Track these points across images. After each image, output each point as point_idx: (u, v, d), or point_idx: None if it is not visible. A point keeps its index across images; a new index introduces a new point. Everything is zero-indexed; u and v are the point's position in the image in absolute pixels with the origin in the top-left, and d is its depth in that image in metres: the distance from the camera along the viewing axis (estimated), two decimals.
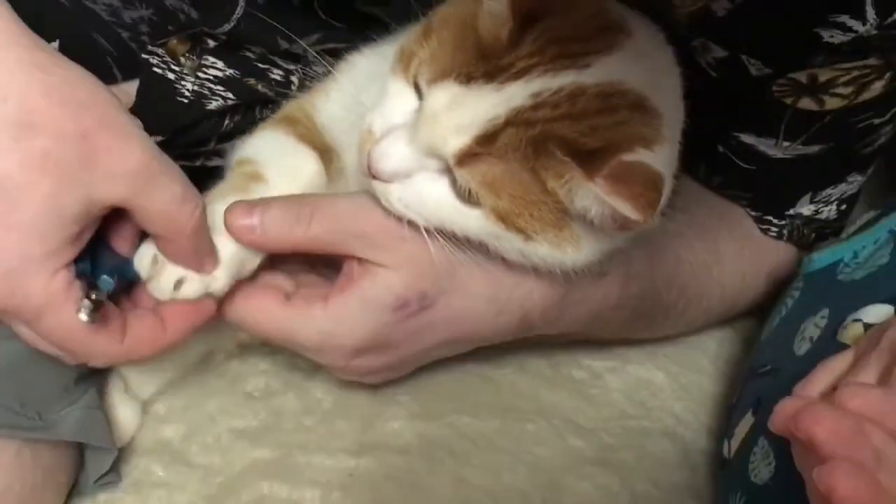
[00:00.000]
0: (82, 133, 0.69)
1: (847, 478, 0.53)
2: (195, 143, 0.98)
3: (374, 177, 0.77)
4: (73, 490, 0.94)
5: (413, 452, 0.98)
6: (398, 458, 0.98)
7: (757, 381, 0.93)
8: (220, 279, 0.79)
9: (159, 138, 0.89)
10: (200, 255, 0.78)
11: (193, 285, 0.78)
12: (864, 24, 0.81)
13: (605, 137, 0.71)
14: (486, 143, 0.72)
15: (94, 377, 0.95)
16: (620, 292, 0.93)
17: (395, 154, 0.75)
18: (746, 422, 0.88)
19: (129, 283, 0.82)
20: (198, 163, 1.00)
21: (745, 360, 1.07)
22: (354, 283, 0.81)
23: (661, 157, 0.73)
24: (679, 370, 1.10)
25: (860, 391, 0.60)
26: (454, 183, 0.75)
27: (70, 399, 0.90)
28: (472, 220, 0.75)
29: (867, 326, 0.81)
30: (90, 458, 0.93)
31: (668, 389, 1.08)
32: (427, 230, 0.78)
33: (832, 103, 0.89)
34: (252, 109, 0.99)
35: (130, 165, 0.71)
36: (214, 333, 1.01)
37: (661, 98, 0.76)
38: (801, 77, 0.88)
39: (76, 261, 0.73)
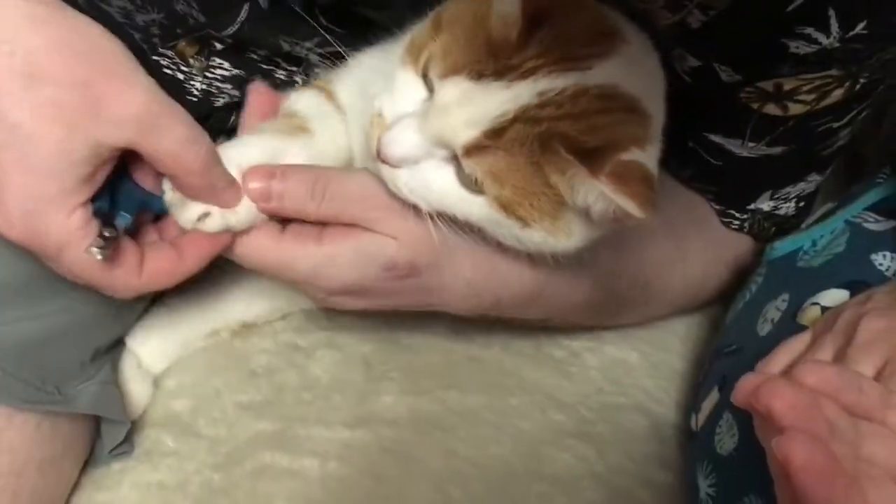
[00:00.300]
0: (85, 81, 0.71)
1: (803, 448, 0.53)
2: None
3: (382, 161, 0.77)
4: (90, 459, 0.96)
5: (404, 425, 1.00)
6: (391, 430, 0.99)
7: (722, 360, 0.94)
8: (240, 214, 0.79)
9: None
10: (216, 190, 0.78)
11: (215, 219, 0.78)
12: (828, 37, 0.82)
13: (603, 137, 0.73)
14: (494, 136, 0.73)
15: (109, 353, 0.97)
16: (588, 289, 0.95)
17: (404, 141, 0.76)
18: (712, 398, 0.89)
19: (156, 216, 0.83)
20: None
21: (711, 340, 1.08)
22: (354, 233, 0.81)
23: (651, 157, 0.76)
24: (651, 350, 1.11)
25: (816, 368, 0.61)
26: (459, 171, 0.76)
27: (87, 374, 0.93)
28: (475, 207, 0.77)
29: (824, 309, 0.83)
30: (105, 430, 0.95)
31: (641, 368, 1.09)
32: (429, 214, 0.79)
33: (795, 109, 0.90)
34: None
35: (133, 109, 0.72)
36: (221, 315, 1.05)
37: (651, 101, 0.78)
38: (768, 86, 0.89)
39: (94, 199, 0.74)
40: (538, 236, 0.77)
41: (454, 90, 0.74)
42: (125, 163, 0.77)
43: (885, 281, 0.84)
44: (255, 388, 1.03)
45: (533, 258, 0.84)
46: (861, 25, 0.81)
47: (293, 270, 0.82)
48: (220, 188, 0.78)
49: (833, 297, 0.85)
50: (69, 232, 0.73)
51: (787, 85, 0.88)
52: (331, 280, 0.82)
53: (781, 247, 0.97)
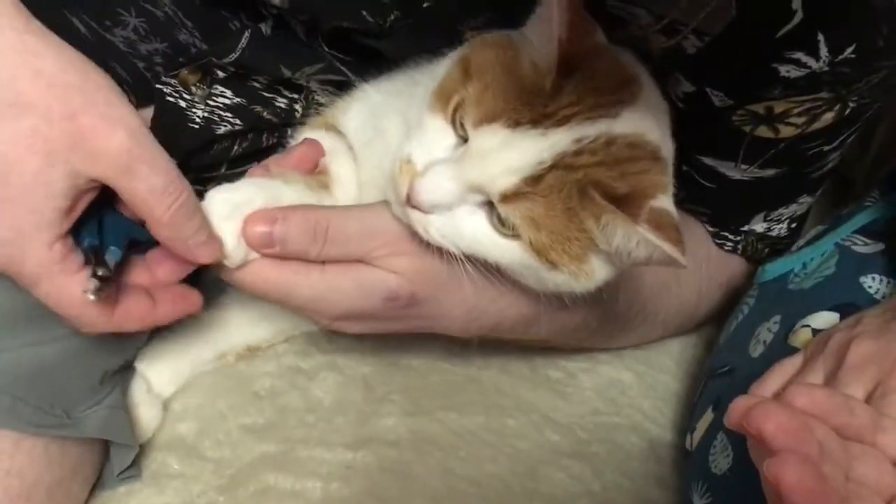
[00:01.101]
0: (70, 114, 0.69)
1: (794, 469, 0.53)
2: (207, 168, 0.98)
3: (413, 207, 0.76)
4: (97, 482, 0.95)
5: (405, 446, 0.99)
6: (391, 451, 0.98)
7: (716, 381, 0.94)
8: (233, 257, 0.77)
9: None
10: (186, 246, 0.74)
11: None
12: (817, 61, 0.81)
13: (633, 183, 0.73)
14: (532, 183, 0.72)
15: (118, 377, 0.95)
16: (584, 316, 0.94)
17: (438, 188, 0.75)
18: (707, 418, 0.88)
19: (142, 246, 0.79)
20: (209, 186, 1.00)
21: (705, 361, 1.07)
22: (356, 267, 0.80)
23: (671, 201, 0.76)
24: (646, 370, 1.10)
25: (806, 391, 0.60)
26: (491, 216, 0.75)
27: (95, 399, 0.91)
28: (507, 251, 0.76)
29: (815, 332, 0.82)
30: (114, 453, 0.93)
31: (637, 388, 1.09)
32: (455, 256, 0.78)
33: (786, 132, 0.90)
34: (259, 135, 0.99)
35: (114, 147, 0.69)
36: (227, 339, 1.04)
37: (666, 145, 0.78)
38: (759, 109, 0.88)
39: (83, 236, 0.73)
40: (562, 278, 0.77)
41: (492, 138, 0.73)
42: (110, 194, 0.74)
43: (875, 303, 0.83)
44: (258, 410, 1.01)
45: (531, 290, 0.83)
46: (849, 49, 0.80)
47: (296, 298, 0.80)
48: (192, 244, 0.75)
49: (824, 319, 0.84)
50: (45, 265, 0.71)
51: (778, 108, 0.88)
52: (332, 307, 0.81)
53: (773, 269, 0.96)
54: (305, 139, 0.89)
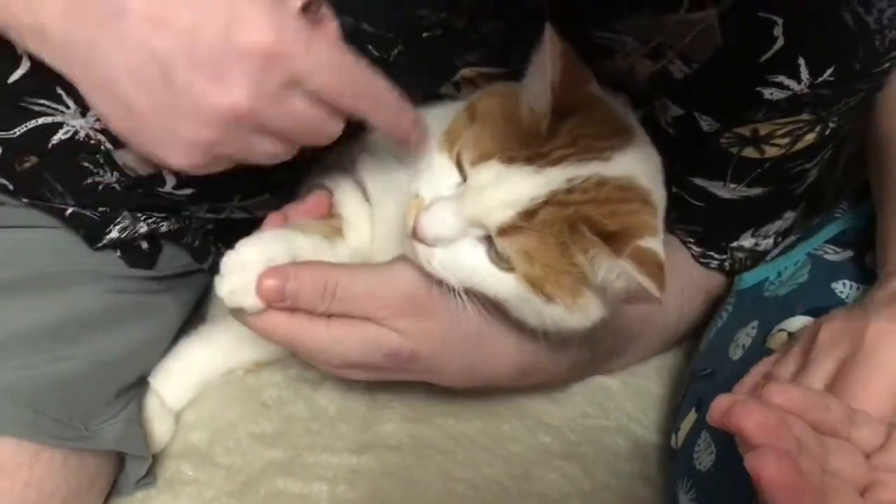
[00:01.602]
0: None
1: (772, 463, 0.53)
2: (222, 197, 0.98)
3: (418, 240, 0.78)
4: (114, 489, 0.96)
5: (406, 450, 1.00)
6: (393, 455, 0.99)
7: (698, 383, 0.94)
8: (250, 301, 0.78)
9: (189, 191, 0.90)
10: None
11: (234, 297, 0.78)
12: (798, 83, 0.82)
13: (622, 222, 0.75)
14: (527, 218, 0.74)
15: (133, 392, 0.97)
16: (576, 354, 0.96)
17: (441, 222, 0.77)
18: (690, 418, 0.89)
19: None
20: (223, 215, 1.00)
21: (686, 367, 1.09)
22: (361, 324, 0.82)
23: (660, 244, 0.77)
24: (630, 378, 1.11)
25: (783, 389, 0.61)
26: (490, 250, 0.77)
27: (111, 412, 0.92)
28: (504, 283, 0.77)
29: (790, 335, 0.84)
30: (129, 463, 0.94)
31: (622, 393, 1.09)
32: (456, 290, 0.80)
33: (771, 152, 0.90)
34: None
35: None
36: (237, 356, 1.06)
37: (657, 192, 0.80)
38: (745, 131, 0.89)
39: None
40: (558, 312, 0.78)
41: (487, 173, 0.75)
42: None
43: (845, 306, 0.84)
44: (266, 419, 1.03)
45: (525, 338, 0.85)
46: (829, 72, 0.81)
47: (302, 346, 0.82)
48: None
49: (798, 323, 0.85)
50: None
51: (763, 130, 0.88)
52: (336, 357, 0.83)
53: (749, 278, 0.97)
54: (315, 193, 0.91)
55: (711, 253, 1.05)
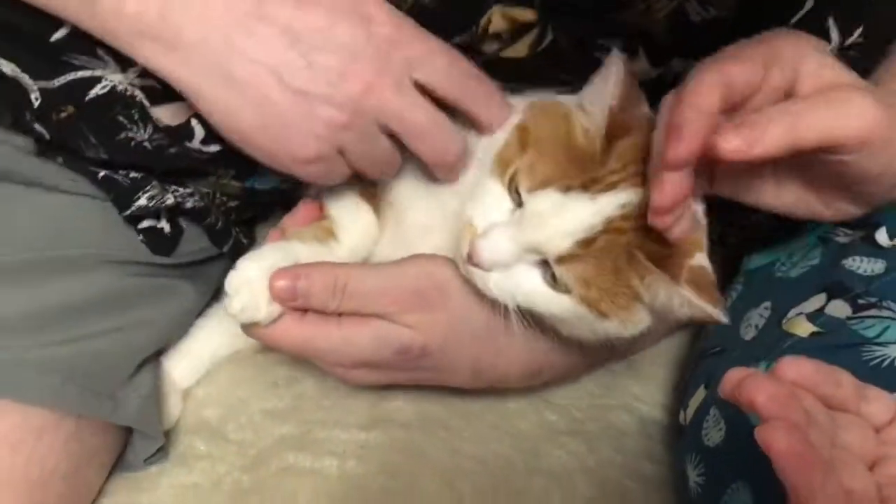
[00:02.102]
0: None
1: (783, 436, 0.53)
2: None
3: (474, 265, 0.78)
4: (125, 464, 0.96)
5: (414, 427, 0.99)
6: (401, 431, 0.99)
7: (707, 360, 0.94)
8: (262, 312, 0.80)
9: (216, 147, 0.88)
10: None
11: (246, 314, 0.80)
12: (828, 44, 0.79)
13: (673, 244, 0.74)
14: (585, 246, 0.74)
15: (150, 367, 0.96)
16: (589, 360, 0.96)
17: (498, 249, 0.77)
18: (699, 394, 0.88)
19: None
20: (247, 183, 0.99)
21: (691, 346, 1.08)
22: (372, 322, 0.82)
23: (706, 258, 0.77)
24: (635, 357, 1.10)
25: (795, 363, 0.60)
26: (545, 273, 0.77)
27: (133, 386, 0.92)
28: (559, 304, 0.77)
29: (809, 317, 0.83)
30: (139, 440, 0.94)
31: (626, 373, 1.08)
32: (508, 308, 0.80)
33: None
34: None
35: None
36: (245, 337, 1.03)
37: (699, 207, 0.79)
38: None
39: None
40: (612, 326, 0.78)
41: (546, 202, 0.75)
42: None
43: (862, 280, 0.84)
44: (277, 396, 1.02)
45: (538, 337, 0.85)
46: (858, 32, 0.79)
47: (314, 349, 0.83)
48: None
49: (815, 302, 0.84)
50: None
51: None
52: (347, 357, 0.84)
53: (758, 258, 0.96)
54: (303, 200, 0.92)
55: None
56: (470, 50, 0.83)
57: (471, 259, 0.78)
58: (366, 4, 0.74)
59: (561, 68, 0.86)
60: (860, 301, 0.81)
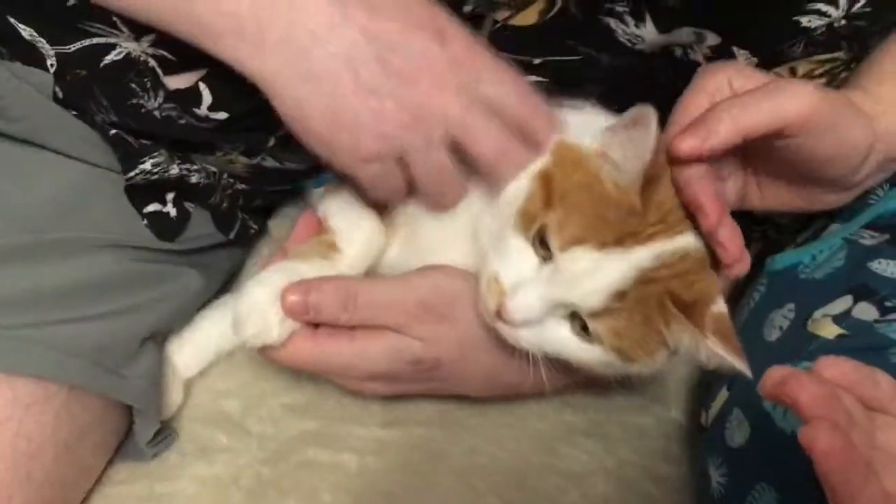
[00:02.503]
0: None
1: (825, 436, 0.52)
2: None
3: (504, 321, 0.77)
4: (126, 453, 0.95)
5: (433, 424, 0.99)
6: (420, 429, 0.98)
7: None
8: (274, 335, 0.79)
9: (223, 115, 0.87)
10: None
11: (258, 339, 0.79)
12: (836, 9, 0.78)
13: (697, 291, 0.74)
14: (618, 299, 0.73)
15: (151, 347, 0.94)
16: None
17: (529, 308, 0.75)
18: (722, 395, 0.87)
19: None
20: (256, 160, 0.97)
21: None
22: (384, 334, 0.81)
23: (723, 302, 0.77)
24: None
25: (835, 363, 0.59)
26: (574, 324, 0.76)
27: (134, 366, 0.90)
28: (590, 354, 0.77)
29: (835, 318, 0.82)
30: (139, 422, 0.92)
31: (644, 375, 1.06)
32: (536, 356, 0.79)
33: None
34: None
35: None
36: None
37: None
38: (783, 71, 0.85)
39: None
40: (636, 368, 0.78)
41: (580, 261, 0.73)
42: None
43: (887, 282, 0.83)
44: (298, 390, 1.01)
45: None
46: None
47: (327, 364, 0.82)
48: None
49: (841, 305, 0.83)
50: None
51: (801, 69, 0.85)
52: (361, 371, 0.83)
53: (781, 260, 0.94)
54: (302, 215, 0.92)
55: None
56: (481, 20, 0.82)
57: (500, 317, 0.77)
58: (439, 19, 0.74)
59: (570, 36, 0.84)
60: (887, 304, 0.80)
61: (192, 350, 1.01)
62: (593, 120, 0.83)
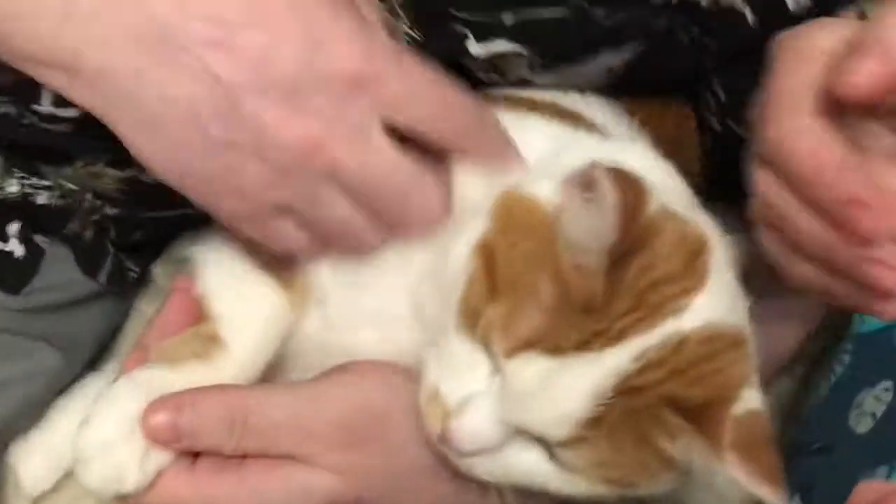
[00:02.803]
0: None
1: None
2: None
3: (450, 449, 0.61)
4: None
5: None
6: None
7: (806, 459, 0.78)
8: (130, 479, 0.60)
9: (73, 113, 0.71)
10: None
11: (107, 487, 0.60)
12: None
13: (710, 386, 0.57)
14: (592, 426, 0.56)
15: None
16: None
17: (480, 433, 0.59)
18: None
19: None
20: (127, 173, 0.80)
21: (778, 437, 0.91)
22: (284, 468, 0.63)
23: (755, 392, 0.59)
24: None
25: None
26: (546, 448, 0.60)
27: None
28: (572, 485, 0.60)
29: None
30: None
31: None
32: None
33: None
34: None
35: None
36: None
37: (743, 315, 0.60)
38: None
39: None
40: (640, 490, 0.60)
41: (529, 372, 0.56)
42: None
43: None
44: None
45: None
46: None
47: None
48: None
49: None
50: None
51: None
52: None
53: (873, 318, 0.79)
54: (173, 293, 0.71)
55: None
56: None
57: (445, 443, 0.60)
58: (320, 26, 0.58)
59: None
60: None
61: (42, 458, 0.84)
62: (570, 141, 0.67)
